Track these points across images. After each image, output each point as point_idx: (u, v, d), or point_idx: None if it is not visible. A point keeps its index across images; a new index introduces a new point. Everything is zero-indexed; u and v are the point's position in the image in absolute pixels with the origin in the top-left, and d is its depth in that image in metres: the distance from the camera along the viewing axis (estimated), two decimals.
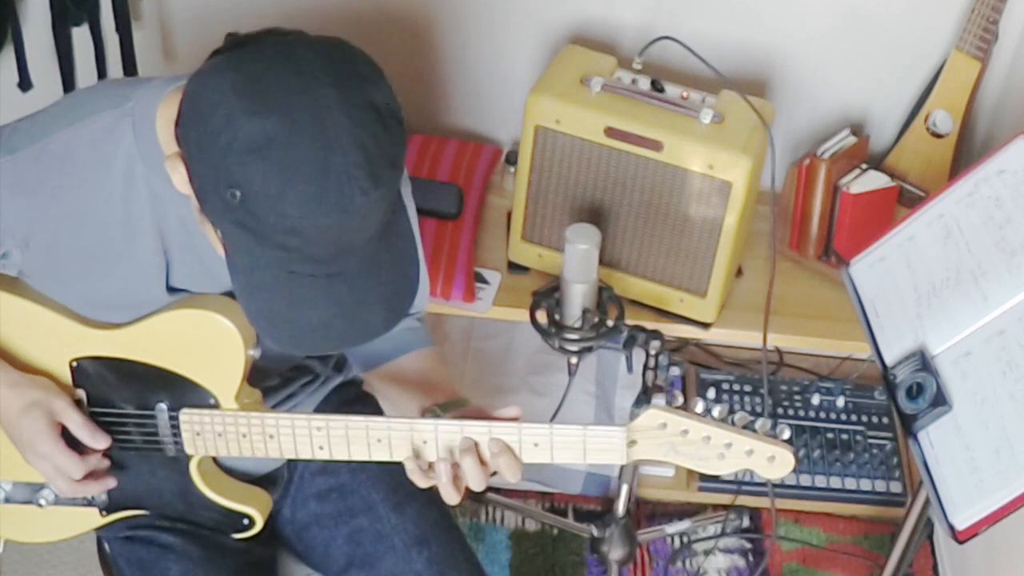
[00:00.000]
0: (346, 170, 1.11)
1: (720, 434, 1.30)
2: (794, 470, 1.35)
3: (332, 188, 1.11)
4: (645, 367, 1.90)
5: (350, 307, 1.19)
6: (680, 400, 1.32)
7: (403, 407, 1.52)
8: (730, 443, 1.31)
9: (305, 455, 1.41)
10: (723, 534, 2.34)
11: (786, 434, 1.31)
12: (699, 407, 1.31)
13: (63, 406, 1.42)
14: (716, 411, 1.31)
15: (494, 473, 1.37)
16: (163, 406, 1.44)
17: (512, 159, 2.20)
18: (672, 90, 1.92)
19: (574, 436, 1.34)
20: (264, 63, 1.14)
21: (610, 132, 1.88)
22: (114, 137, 1.31)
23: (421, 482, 1.37)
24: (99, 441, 1.44)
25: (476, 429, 1.35)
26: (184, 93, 1.17)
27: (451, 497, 1.36)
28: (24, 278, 1.42)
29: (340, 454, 1.40)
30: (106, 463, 1.48)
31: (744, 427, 1.31)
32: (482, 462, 1.35)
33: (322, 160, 1.10)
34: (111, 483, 1.48)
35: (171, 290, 1.41)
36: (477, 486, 1.36)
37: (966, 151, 2.20)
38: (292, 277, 1.17)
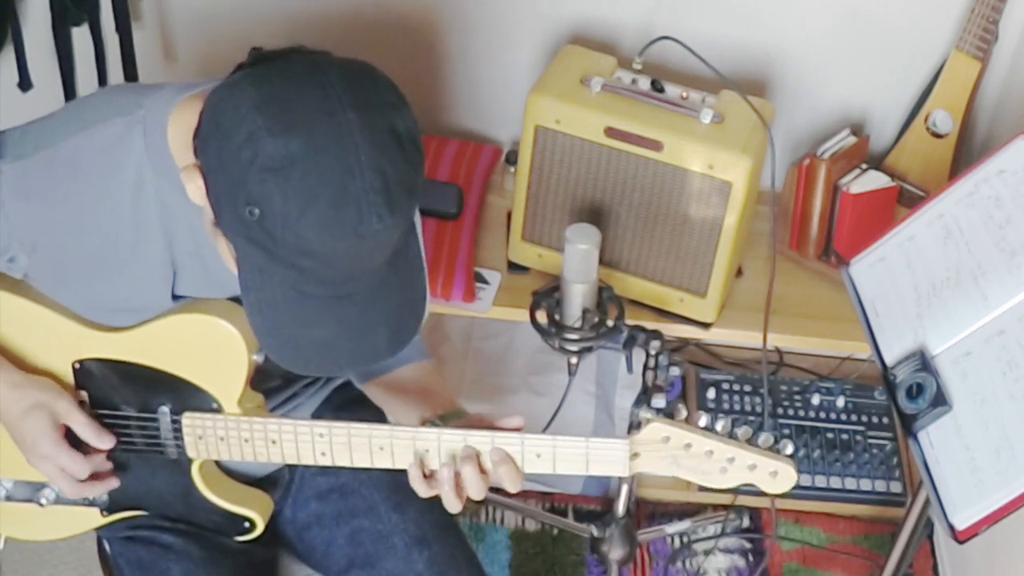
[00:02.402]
0: (365, 196, 1.11)
1: (723, 448, 1.31)
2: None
3: (351, 213, 1.11)
4: (645, 367, 1.90)
5: (356, 329, 1.19)
6: (683, 413, 1.32)
7: (402, 418, 1.53)
8: (733, 457, 1.31)
9: (307, 461, 1.41)
10: (723, 534, 2.34)
11: (789, 449, 1.31)
12: (702, 421, 1.31)
13: (67, 407, 1.42)
14: (719, 425, 1.31)
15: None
16: (165, 409, 1.44)
17: (512, 159, 2.20)
18: (672, 90, 1.92)
19: (576, 448, 1.34)
20: (290, 83, 1.13)
21: (610, 132, 1.88)
22: (124, 144, 1.30)
23: (423, 490, 1.37)
24: (104, 441, 1.44)
25: (479, 438, 1.35)
26: (206, 105, 1.17)
27: (453, 505, 1.37)
28: (29, 281, 1.42)
29: (342, 460, 1.40)
30: (109, 464, 1.48)
31: (747, 441, 1.31)
32: (482, 471, 1.35)
33: (342, 184, 1.10)
34: (113, 484, 1.49)
35: (176, 297, 1.41)
36: (477, 495, 1.36)
37: (966, 151, 2.20)
38: (301, 297, 1.17)
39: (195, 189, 1.19)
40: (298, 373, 1.41)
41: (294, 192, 1.10)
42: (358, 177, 1.11)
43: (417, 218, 1.53)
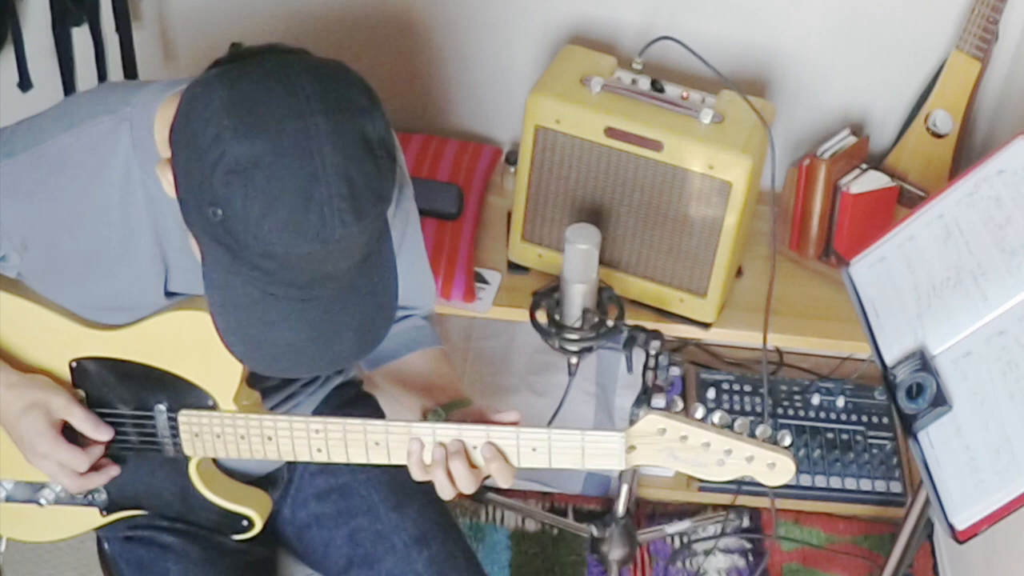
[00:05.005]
0: (329, 201, 1.10)
1: (720, 440, 1.30)
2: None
3: (313, 217, 1.10)
4: (645, 367, 1.89)
5: (322, 332, 1.19)
6: (680, 406, 1.32)
7: (406, 406, 1.53)
8: (730, 449, 1.31)
9: (303, 457, 1.42)
10: (723, 534, 2.34)
11: (787, 440, 1.31)
12: (699, 413, 1.31)
13: (63, 403, 1.42)
14: (716, 417, 1.30)
15: (487, 476, 1.37)
16: (162, 407, 1.44)
17: (512, 159, 2.20)
18: (672, 90, 1.92)
19: (572, 441, 1.34)
20: (259, 84, 1.13)
21: (610, 132, 1.88)
22: (111, 142, 1.30)
23: (419, 475, 1.37)
24: (102, 433, 1.44)
25: (474, 433, 1.35)
26: (180, 100, 1.17)
27: (446, 492, 1.37)
28: (23, 280, 1.42)
29: (338, 456, 1.40)
30: (108, 462, 1.48)
31: (745, 433, 1.31)
32: (472, 466, 1.35)
33: (305, 189, 1.10)
34: (114, 472, 1.48)
35: (169, 294, 1.41)
36: (467, 490, 1.36)
37: (966, 151, 2.20)
38: (266, 298, 1.16)
39: (168, 183, 1.19)
40: (264, 374, 1.41)
41: (257, 194, 1.09)
42: (323, 182, 1.10)
43: (410, 198, 1.53)
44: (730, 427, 1.31)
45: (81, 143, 1.31)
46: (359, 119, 1.14)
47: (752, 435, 1.31)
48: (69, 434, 1.44)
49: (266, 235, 1.10)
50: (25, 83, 2.16)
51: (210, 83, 1.14)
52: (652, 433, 1.32)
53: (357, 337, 1.22)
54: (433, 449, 1.36)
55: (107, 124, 1.31)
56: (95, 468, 1.46)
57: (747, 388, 2.48)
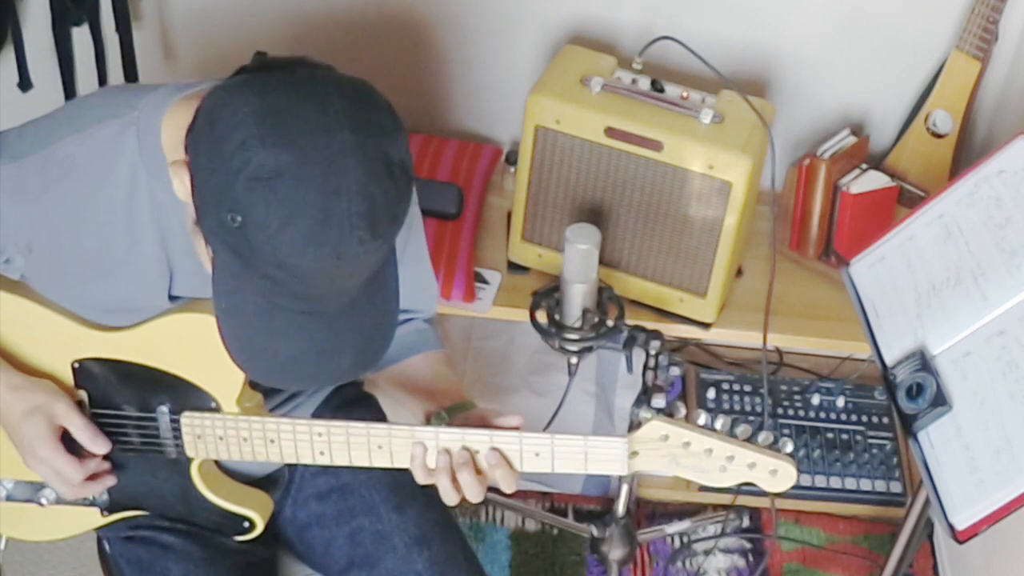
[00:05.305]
0: (348, 218, 1.11)
1: (722, 447, 1.31)
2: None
3: (332, 232, 1.11)
4: (645, 367, 1.89)
5: (322, 347, 1.20)
6: (682, 411, 1.32)
7: (408, 408, 1.53)
8: (732, 456, 1.31)
9: (306, 460, 1.42)
10: (723, 534, 2.34)
11: (788, 447, 1.31)
12: (701, 419, 1.31)
13: (65, 410, 1.42)
14: (719, 423, 1.31)
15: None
16: (164, 409, 1.44)
17: (512, 159, 2.21)
18: (672, 90, 1.92)
19: (575, 446, 1.35)
20: (290, 96, 1.13)
21: (610, 132, 1.88)
22: (118, 145, 1.30)
23: (422, 479, 1.38)
24: (100, 446, 1.44)
25: (477, 438, 1.35)
26: (203, 103, 1.17)
27: (450, 497, 1.37)
28: (27, 281, 1.42)
29: (341, 459, 1.40)
30: (106, 465, 1.48)
31: (747, 440, 1.31)
32: (479, 473, 1.36)
33: (327, 203, 1.10)
34: (111, 482, 1.49)
35: (173, 297, 1.41)
36: (474, 498, 1.36)
37: (966, 151, 2.20)
38: (271, 308, 1.17)
39: (180, 185, 1.19)
40: (262, 384, 1.41)
41: (278, 204, 1.10)
42: (344, 198, 1.11)
43: (419, 221, 1.54)
44: (732, 433, 1.31)
45: (87, 147, 1.31)
46: (384, 140, 1.14)
47: (754, 441, 1.31)
48: (68, 441, 1.43)
49: (283, 245, 1.11)
50: (25, 83, 2.16)
51: (239, 90, 1.14)
52: (655, 439, 1.32)
53: (356, 355, 1.23)
54: (437, 455, 1.36)
55: (114, 128, 1.31)
56: (92, 477, 1.46)
57: (747, 388, 2.48)
